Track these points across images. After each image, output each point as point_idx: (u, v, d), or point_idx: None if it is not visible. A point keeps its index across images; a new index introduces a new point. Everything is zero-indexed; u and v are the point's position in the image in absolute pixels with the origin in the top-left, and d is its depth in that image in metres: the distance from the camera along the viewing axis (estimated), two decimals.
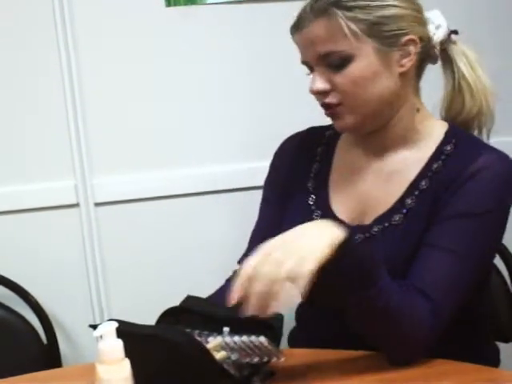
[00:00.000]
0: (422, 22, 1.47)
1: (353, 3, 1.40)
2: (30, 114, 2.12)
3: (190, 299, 1.43)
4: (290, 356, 1.30)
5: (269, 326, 1.27)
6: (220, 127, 2.18)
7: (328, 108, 1.46)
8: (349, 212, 1.51)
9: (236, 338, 1.28)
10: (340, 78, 1.42)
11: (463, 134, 1.50)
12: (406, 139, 1.50)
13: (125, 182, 2.16)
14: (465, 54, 1.52)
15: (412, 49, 1.44)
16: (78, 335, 2.18)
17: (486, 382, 1.28)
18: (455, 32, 1.54)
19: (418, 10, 1.47)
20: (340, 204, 1.53)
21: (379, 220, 1.47)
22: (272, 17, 2.13)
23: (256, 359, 1.27)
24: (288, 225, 1.29)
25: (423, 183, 1.46)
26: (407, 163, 1.49)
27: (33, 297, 2.08)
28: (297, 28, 1.44)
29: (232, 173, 2.17)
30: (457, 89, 1.52)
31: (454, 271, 1.36)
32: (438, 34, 1.50)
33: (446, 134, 1.49)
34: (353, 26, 1.39)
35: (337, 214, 1.51)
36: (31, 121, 2.12)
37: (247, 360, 1.27)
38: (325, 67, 1.43)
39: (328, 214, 1.51)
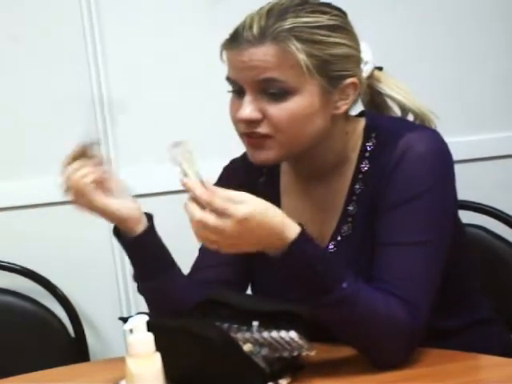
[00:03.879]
0: (360, 64, 1.42)
1: (308, 36, 1.33)
2: (56, 108, 2.12)
3: (219, 291, 1.42)
4: (320, 350, 1.28)
5: (299, 317, 1.25)
6: None
7: (253, 138, 1.37)
8: None
9: (265, 334, 1.26)
10: (275, 110, 1.33)
11: (382, 122, 1.44)
12: (338, 160, 1.43)
13: (150, 174, 2.16)
14: (394, 85, 1.49)
15: (351, 92, 1.38)
16: (105, 328, 2.18)
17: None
18: (380, 68, 1.50)
19: (360, 50, 1.41)
20: None
21: (333, 237, 1.43)
22: None
23: (286, 354, 1.26)
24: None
25: (357, 187, 1.42)
26: (340, 172, 1.43)
27: (60, 290, 2.08)
28: (235, 45, 1.36)
29: None
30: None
31: (415, 263, 1.32)
32: (364, 71, 1.44)
33: (365, 130, 1.43)
34: (306, 60, 1.32)
35: None
36: (58, 115, 2.12)
37: (277, 355, 1.26)
38: (259, 94, 1.34)
39: None
